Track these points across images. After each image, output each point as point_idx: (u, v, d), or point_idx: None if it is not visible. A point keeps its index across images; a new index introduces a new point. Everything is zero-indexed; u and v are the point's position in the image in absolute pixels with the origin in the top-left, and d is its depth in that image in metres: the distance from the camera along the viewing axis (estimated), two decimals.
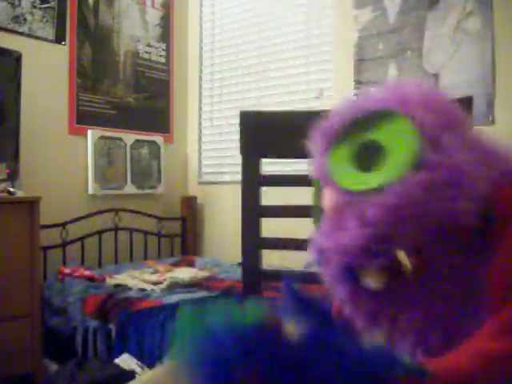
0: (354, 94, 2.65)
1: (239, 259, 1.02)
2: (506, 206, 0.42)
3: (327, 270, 0.45)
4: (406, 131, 0.41)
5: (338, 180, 0.43)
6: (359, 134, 0.44)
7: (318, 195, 0.47)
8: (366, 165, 0.42)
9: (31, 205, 2.00)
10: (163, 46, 3.34)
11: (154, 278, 2.38)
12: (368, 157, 0.42)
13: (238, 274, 2.51)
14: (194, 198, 3.32)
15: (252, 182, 1.01)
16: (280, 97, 3.01)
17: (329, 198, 0.44)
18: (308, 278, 1.10)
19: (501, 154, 0.46)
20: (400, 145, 0.41)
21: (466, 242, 0.42)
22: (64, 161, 2.75)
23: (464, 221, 0.40)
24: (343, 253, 0.42)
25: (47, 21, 2.66)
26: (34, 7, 2.59)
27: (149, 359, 1.81)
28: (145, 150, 3.14)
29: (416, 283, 0.42)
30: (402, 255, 0.40)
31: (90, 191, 2.84)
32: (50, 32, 2.68)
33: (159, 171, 3.22)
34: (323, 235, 0.44)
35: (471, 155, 0.42)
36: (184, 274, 2.42)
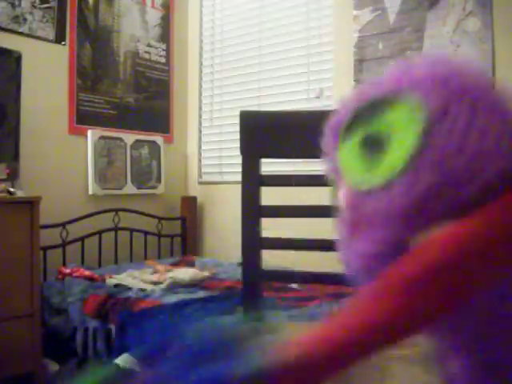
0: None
1: (239, 259, 1.02)
2: None
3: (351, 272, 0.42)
4: (407, 115, 0.37)
5: (346, 177, 0.40)
6: (365, 125, 0.40)
7: (335, 193, 0.44)
8: (372, 159, 0.38)
9: (31, 205, 2.00)
10: (163, 46, 3.34)
11: (154, 278, 2.38)
12: (373, 150, 0.38)
13: (238, 274, 2.51)
14: (194, 198, 3.32)
15: (252, 182, 1.01)
16: (280, 97, 3.01)
17: (343, 196, 0.40)
18: (307, 277, 1.10)
19: None
20: (403, 131, 0.37)
21: None
22: (64, 161, 2.75)
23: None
24: (362, 259, 0.38)
25: (47, 21, 2.66)
26: (34, 7, 2.59)
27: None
28: (145, 150, 3.14)
29: None
30: None
31: (90, 191, 2.84)
32: (49, 32, 2.68)
33: (159, 171, 3.22)
34: (343, 240, 0.41)
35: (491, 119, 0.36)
36: (184, 274, 2.42)
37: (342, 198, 0.40)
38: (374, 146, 0.39)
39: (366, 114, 0.40)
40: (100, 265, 2.77)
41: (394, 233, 0.36)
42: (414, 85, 0.38)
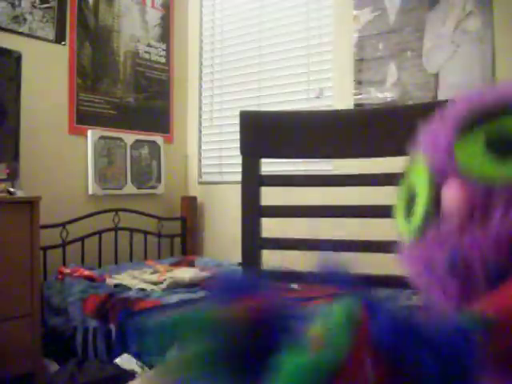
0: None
1: (239, 259, 1.02)
2: None
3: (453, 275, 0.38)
4: None
5: (472, 172, 0.37)
6: (492, 123, 0.38)
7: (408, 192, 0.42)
8: (502, 157, 0.37)
9: (31, 205, 2.00)
10: (163, 46, 3.34)
11: (154, 277, 2.38)
12: (503, 149, 0.37)
13: None
14: (194, 198, 3.32)
15: (252, 182, 1.01)
16: (280, 97, 3.02)
17: (456, 193, 0.37)
18: (307, 277, 1.10)
19: None
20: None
21: None
22: (64, 161, 2.75)
23: None
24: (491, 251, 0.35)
25: (47, 21, 2.66)
26: (34, 7, 2.59)
27: (149, 359, 1.81)
28: (145, 150, 3.14)
29: None
30: None
31: (90, 191, 2.84)
32: (49, 32, 2.68)
33: (159, 171, 3.22)
34: (453, 235, 0.37)
35: None
36: (184, 273, 2.42)
37: (453, 193, 0.38)
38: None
39: (495, 112, 0.38)
40: (100, 265, 2.77)
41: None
42: None
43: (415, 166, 0.40)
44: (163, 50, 3.35)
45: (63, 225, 2.60)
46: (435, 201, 0.37)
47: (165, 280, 2.31)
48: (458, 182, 0.37)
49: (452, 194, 0.37)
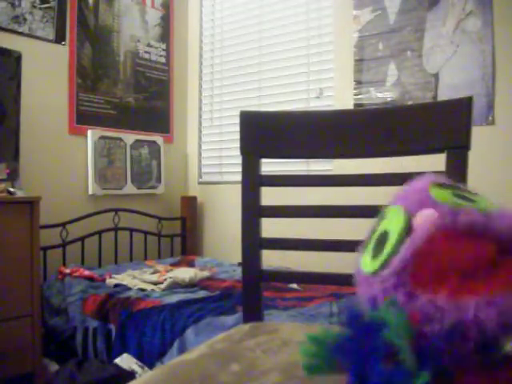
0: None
1: (239, 259, 1.02)
2: None
3: None
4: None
5: (443, 201, 0.50)
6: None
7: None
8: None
9: (31, 205, 2.00)
10: (163, 46, 3.35)
11: (154, 278, 2.38)
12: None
13: (238, 274, 2.51)
14: (194, 198, 3.32)
15: (252, 181, 1.01)
16: (280, 97, 3.02)
17: (431, 213, 0.49)
18: (307, 277, 1.10)
19: None
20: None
21: None
22: (64, 161, 2.75)
23: None
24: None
25: (47, 21, 2.66)
26: (34, 7, 2.59)
27: (149, 359, 1.81)
28: (145, 150, 3.14)
29: None
30: None
31: (90, 191, 2.84)
32: (50, 32, 2.68)
33: (159, 171, 3.22)
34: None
35: None
36: (184, 273, 2.42)
37: (427, 214, 0.48)
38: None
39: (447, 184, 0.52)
40: (100, 265, 2.77)
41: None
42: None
43: (390, 213, 0.52)
44: (163, 49, 3.35)
45: (63, 225, 2.60)
46: (407, 231, 0.48)
47: (165, 280, 2.31)
48: (432, 208, 0.49)
49: (427, 215, 0.48)
